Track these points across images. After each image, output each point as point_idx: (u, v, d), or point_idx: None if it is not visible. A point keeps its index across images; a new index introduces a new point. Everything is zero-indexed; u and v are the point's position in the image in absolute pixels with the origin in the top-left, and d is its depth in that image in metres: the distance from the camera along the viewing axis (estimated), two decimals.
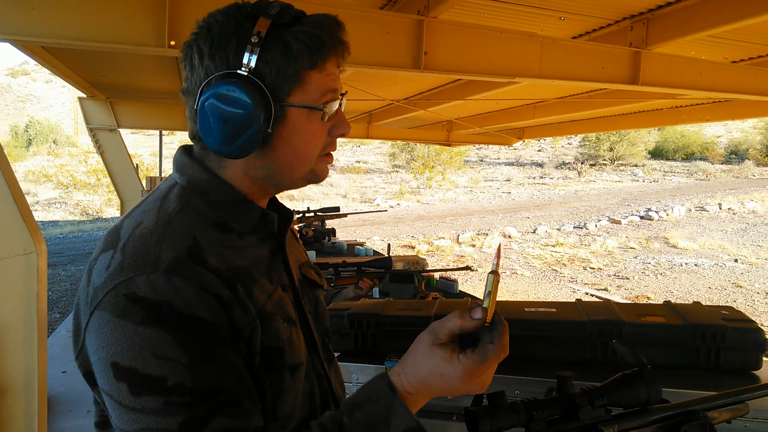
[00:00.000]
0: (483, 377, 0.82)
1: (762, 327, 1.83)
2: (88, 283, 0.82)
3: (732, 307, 2.03)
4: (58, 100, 58.86)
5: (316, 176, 0.95)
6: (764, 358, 1.88)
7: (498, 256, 0.85)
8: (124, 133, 6.09)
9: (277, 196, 1.08)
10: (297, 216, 6.00)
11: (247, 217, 0.93)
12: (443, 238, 15.45)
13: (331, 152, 0.96)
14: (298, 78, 0.86)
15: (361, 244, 6.05)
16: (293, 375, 0.91)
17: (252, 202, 0.94)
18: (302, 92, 0.88)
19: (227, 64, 0.85)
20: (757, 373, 1.83)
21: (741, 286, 10.36)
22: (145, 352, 0.75)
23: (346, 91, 0.97)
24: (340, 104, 0.94)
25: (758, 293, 9.92)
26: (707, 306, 2.05)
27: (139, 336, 0.75)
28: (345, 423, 0.81)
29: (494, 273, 0.82)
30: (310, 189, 24.65)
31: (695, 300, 5.51)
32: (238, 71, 0.84)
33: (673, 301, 2.11)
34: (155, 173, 17.56)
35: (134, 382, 0.75)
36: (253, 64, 0.84)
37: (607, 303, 2.09)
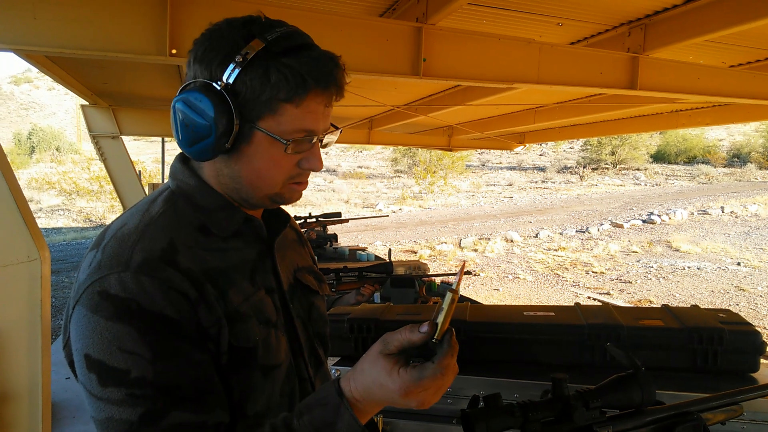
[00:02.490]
0: (422, 395, 0.80)
1: (762, 330, 1.84)
2: (76, 279, 0.88)
3: (730, 310, 2.04)
4: (60, 108, 59.05)
5: (283, 199, 0.98)
6: (762, 361, 1.89)
7: (461, 274, 0.86)
8: (127, 140, 6.11)
9: None
10: (299, 222, 6.01)
11: (229, 222, 0.97)
12: (445, 242, 15.45)
13: (303, 181, 0.98)
14: (271, 106, 0.88)
15: (363, 250, 6.07)
16: (267, 376, 0.93)
17: (236, 207, 0.98)
18: (273, 121, 0.89)
19: (210, 73, 0.88)
20: (755, 375, 1.84)
21: (744, 290, 10.33)
22: (113, 346, 0.80)
23: (337, 129, 0.98)
24: (320, 140, 0.94)
25: (761, 296, 9.90)
26: (705, 309, 2.06)
27: (108, 331, 0.80)
28: (294, 425, 0.83)
29: (453, 291, 0.81)
30: (313, 194, 24.68)
31: (697, 304, 5.50)
32: (215, 83, 0.87)
33: (673, 305, 2.12)
34: (158, 180, 17.61)
35: (102, 373, 0.80)
36: (231, 80, 0.86)
37: (605, 306, 2.10)
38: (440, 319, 0.79)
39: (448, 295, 0.81)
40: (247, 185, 0.94)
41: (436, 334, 0.79)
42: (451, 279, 4.40)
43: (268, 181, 0.94)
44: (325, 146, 0.98)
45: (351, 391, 0.83)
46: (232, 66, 0.86)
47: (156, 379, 0.80)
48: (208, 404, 0.83)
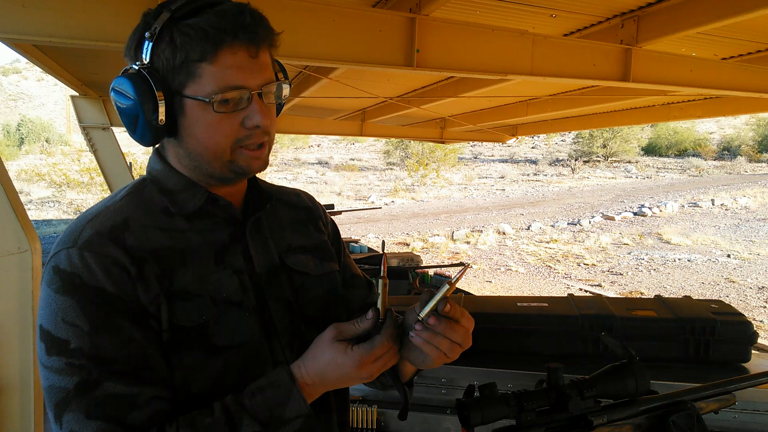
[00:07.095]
0: (372, 366, 0.90)
1: (752, 321, 1.85)
2: None
3: (721, 301, 2.05)
4: (50, 99, 58.56)
5: (241, 168, 0.95)
6: (753, 351, 1.91)
7: (384, 263, 0.95)
8: (117, 131, 6.04)
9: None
10: None
11: (191, 200, 0.97)
12: (438, 235, 15.48)
13: (258, 144, 0.95)
14: (189, 70, 0.88)
15: (356, 242, 6.07)
16: (217, 355, 0.92)
17: (198, 186, 0.98)
18: (196, 84, 0.88)
19: (134, 59, 0.91)
20: (746, 365, 1.86)
21: (734, 281, 10.42)
22: (57, 317, 0.84)
23: (281, 80, 0.96)
24: (260, 95, 0.91)
25: (750, 288, 9.99)
26: (697, 300, 2.08)
27: (56, 303, 0.85)
28: (246, 404, 0.87)
29: (383, 278, 0.93)
30: (304, 187, 24.57)
31: (687, 295, 5.53)
32: (133, 66, 0.90)
33: (664, 296, 2.13)
34: None
35: (48, 343, 0.84)
36: (147, 58, 0.89)
37: (598, 297, 2.11)
38: (379, 304, 0.92)
39: (380, 282, 0.93)
40: (199, 158, 0.95)
41: (381, 315, 0.92)
42: (445, 272, 4.41)
43: (213, 148, 0.93)
44: (269, 101, 0.94)
45: (302, 377, 0.92)
46: (146, 44, 0.89)
47: (92, 350, 0.83)
48: (142, 379, 0.85)
